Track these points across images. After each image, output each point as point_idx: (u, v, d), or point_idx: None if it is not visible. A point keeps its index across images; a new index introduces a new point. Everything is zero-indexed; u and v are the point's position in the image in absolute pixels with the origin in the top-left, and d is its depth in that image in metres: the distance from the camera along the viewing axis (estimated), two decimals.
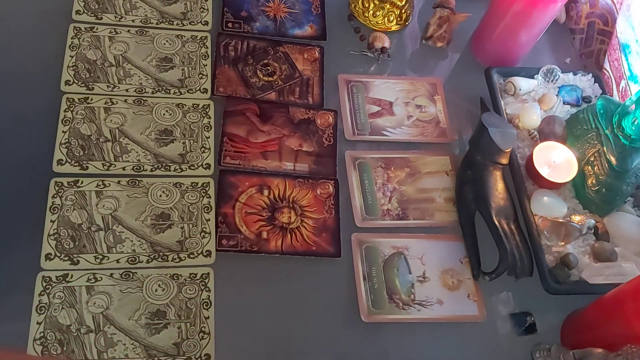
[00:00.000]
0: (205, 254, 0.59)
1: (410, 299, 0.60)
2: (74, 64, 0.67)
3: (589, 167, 0.67)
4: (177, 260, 0.58)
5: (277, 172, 0.65)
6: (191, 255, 0.59)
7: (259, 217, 0.62)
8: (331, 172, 0.67)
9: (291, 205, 0.63)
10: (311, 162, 0.67)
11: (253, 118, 0.68)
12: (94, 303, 0.55)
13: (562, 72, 0.76)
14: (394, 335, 0.59)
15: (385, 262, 0.62)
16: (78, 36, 0.69)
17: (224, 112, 0.67)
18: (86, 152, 0.62)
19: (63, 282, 0.55)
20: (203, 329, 0.55)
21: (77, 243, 0.57)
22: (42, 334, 0.52)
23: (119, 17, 0.72)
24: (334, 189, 0.65)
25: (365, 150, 0.69)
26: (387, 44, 0.77)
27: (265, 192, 0.64)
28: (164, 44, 0.71)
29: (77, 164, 0.61)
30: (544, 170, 0.66)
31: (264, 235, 0.61)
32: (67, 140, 0.62)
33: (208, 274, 0.58)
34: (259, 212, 0.62)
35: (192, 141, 0.65)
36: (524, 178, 0.68)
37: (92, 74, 0.67)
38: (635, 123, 0.64)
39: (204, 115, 0.67)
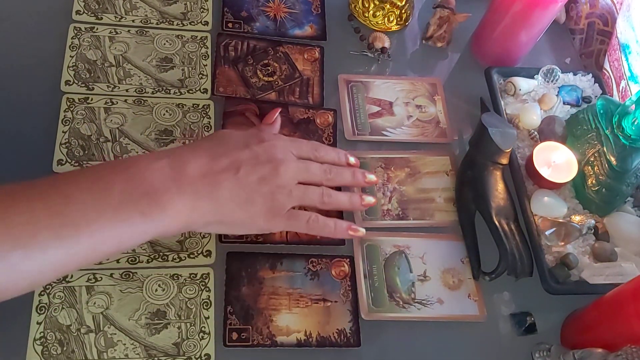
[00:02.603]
0: (205, 253, 0.59)
1: (411, 297, 0.60)
2: (74, 64, 0.67)
3: (589, 167, 0.67)
4: (177, 260, 0.58)
5: None
6: (191, 255, 0.59)
7: None
8: None
9: None
10: None
11: (253, 118, 0.68)
12: (94, 303, 0.55)
13: (562, 72, 0.76)
14: (394, 333, 0.59)
15: (386, 260, 0.62)
16: (78, 36, 0.69)
17: (223, 113, 0.67)
18: (86, 152, 0.62)
19: (63, 282, 0.55)
20: (203, 329, 0.55)
21: None
22: (42, 334, 0.52)
23: (119, 17, 0.72)
24: None
25: (366, 150, 0.69)
26: (387, 44, 0.77)
27: None
28: (164, 44, 0.71)
29: (77, 164, 0.61)
30: (544, 171, 0.66)
31: None
32: (67, 140, 0.62)
33: (208, 274, 0.58)
34: None
35: (192, 141, 0.65)
36: (524, 178, 0.68)
37: (92, 74, 0.67)
38: (635, 123, 0.64)
39: (204, 115, 0.67)
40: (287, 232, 0.61)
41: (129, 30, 0.71)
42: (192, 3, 0.75)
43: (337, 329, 0.57)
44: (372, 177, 0.62)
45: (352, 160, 0.62)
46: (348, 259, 0.61)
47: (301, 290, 0.58)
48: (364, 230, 0.59)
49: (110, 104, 0.66)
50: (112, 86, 0.67)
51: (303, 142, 0.60)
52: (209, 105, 0.68)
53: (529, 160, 0.67)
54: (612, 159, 0.65)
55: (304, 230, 0.57)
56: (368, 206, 0.62)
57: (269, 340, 0.55)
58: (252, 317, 0.56)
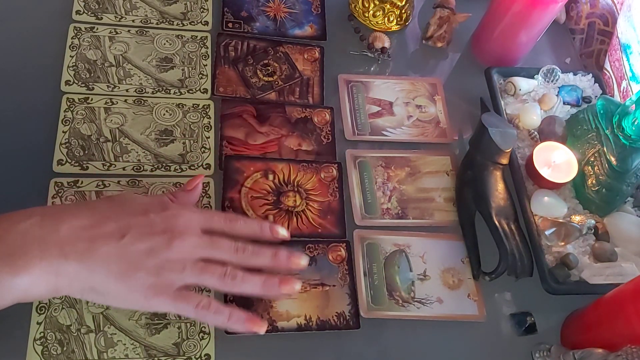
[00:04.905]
0: None
1: (410, 296, 0.60)
2: (74, 64, 0.67)
3: (589, 167, 0.67)
4: None
5: (281, 157, 0.66)
6: None
7: (264, 201, 0.63)
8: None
9: (296, 189, 0.64)
10: None
11: (250, 120, 0.68)
12: (94, 303, 0.55)
13: (562, 72, 0.76)
14: (392, 331, 0.59)
15: (386, 259, 0.62)
16: (78, 36, 0.69)
17: (220, 116, 0.67)
18: (86, 152, 0.62)
19: None
20: (203, 329, 0.55)
21: None
22: (42, 334, 0.52)
23: (119, 17, 0.72)
24: (338, 172, 0.66)
25: (366, 150, 0.69)
26: (387, 44, 0.77)
27: (270, 177, 0.64)
28: (164, 44, 0.71)
29: (77, 164, 0.61)
30: (544, 171, 0.66)
31: (270, 219, 0.62)
32: (67, 140, 0.62)
33: None
34: (264, 197, 0.63)
35: (192, 141, 0.65)
36: (524, 178, 0.68)
37: (92, 74, 0.67)
38: (636, 123, 0.64)
39: (204, 115, 0.67)
40: (288, 226, 0.61)
41: (129, 30, 0.71)
42: (192, 3, 0.75)
43: (337, 312, 0.58)
44: (300, 260, 0.53)
45: (282, 233, 0.54)
46: (344, 244, 0.62)
47: (299, 275, 0.59)
48: (265, 325, 0.51)
49: (110, 104, 0.66)
50: (112, 86, 0.67)
51: (215, 214, 0.54)
52: (209, 105, 0.68)
53: (529, 160, 0.67)
54: (612, 159, 0.65)
55: (192, 317, 0.51)
56: (290, 294, 0.55)
57: (269, 325, 0.56)
58: (252, 304, 0.56)
